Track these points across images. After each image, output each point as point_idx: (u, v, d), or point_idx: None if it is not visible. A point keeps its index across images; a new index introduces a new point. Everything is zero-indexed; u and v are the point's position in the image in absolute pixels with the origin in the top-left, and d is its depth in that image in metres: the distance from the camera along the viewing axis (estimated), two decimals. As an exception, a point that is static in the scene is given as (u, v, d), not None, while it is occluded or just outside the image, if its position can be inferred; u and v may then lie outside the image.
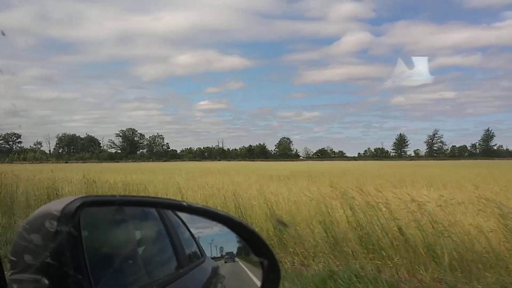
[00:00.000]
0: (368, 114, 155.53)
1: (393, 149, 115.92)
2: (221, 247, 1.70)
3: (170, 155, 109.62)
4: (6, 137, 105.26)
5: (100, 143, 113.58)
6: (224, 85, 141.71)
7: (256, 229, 2.35)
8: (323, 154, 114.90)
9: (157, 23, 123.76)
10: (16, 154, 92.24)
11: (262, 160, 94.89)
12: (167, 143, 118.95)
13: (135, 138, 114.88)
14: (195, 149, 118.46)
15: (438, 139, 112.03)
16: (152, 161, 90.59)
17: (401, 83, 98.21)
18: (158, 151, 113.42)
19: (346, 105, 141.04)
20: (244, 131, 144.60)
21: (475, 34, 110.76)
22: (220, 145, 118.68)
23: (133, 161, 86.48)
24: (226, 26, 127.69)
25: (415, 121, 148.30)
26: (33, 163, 65.11)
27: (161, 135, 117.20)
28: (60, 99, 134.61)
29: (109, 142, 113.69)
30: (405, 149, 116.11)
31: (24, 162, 73.28)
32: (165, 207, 1.57)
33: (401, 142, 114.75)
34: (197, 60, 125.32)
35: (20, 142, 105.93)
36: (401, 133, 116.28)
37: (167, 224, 1.63)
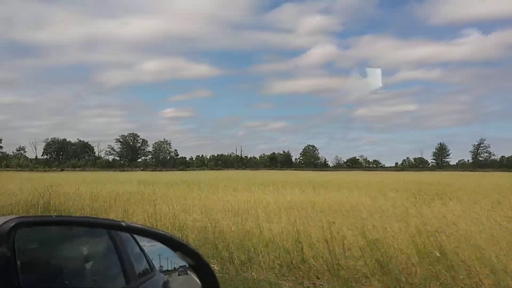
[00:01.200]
0: (331, 125, 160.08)
1: (434, 158, 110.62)
2: (174, 261, 1.71)
3: (180, 163, 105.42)
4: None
5: (94, 149, 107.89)
6: (191, 93, 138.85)
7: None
8: (355, 164, 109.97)
9: (125, 28, 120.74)
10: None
11: (287, 169, 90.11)
12: (175, 150, 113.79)
13: (137, 144, 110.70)
14: (208, 157, 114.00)
15: (485, 148, 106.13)
16: (160, 169, 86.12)
17: (359, 94, 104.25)
18: (165, 158, 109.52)
19: (311, 116, 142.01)
20: (209, 139, 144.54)
21: (436, 50, 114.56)
22: (238, 153, 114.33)
23: (141, 170, 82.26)
24: (196, 35, 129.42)
25: (376, 133, 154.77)
26: (20, 170, 59.99)
27: (167, 141, 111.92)
28: (19, 103, 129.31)
29: (108, 148, 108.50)
30: (447, 159, 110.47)
31: (8, 169, 66.89)
32: (104, 227, 1.59)
33: (442, 151, 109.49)
34: (164, 67, 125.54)
35: (1, 147, 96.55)
36: (441, 142, 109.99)
37: (115, 239, 1.65)
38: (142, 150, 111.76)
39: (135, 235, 1.71)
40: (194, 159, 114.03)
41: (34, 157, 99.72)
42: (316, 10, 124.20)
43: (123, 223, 1.53)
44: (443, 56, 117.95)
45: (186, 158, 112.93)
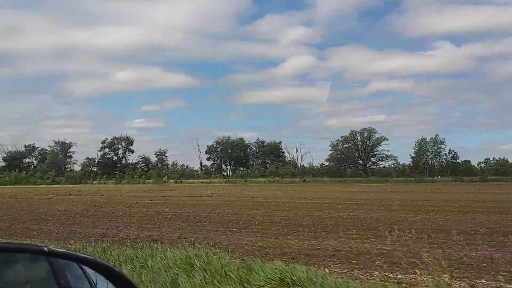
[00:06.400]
0: (302, 136, 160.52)
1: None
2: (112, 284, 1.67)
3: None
4: None
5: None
6: (164, 104, 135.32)
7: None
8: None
9: (100, 38, 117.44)
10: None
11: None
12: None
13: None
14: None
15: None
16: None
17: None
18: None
19: (281, 127, 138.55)
20: (179, 150, 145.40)
21: (409, 62, 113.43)
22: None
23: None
24: (174, 45, 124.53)
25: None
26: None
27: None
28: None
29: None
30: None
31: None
32: (24, 252, 1.53)
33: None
34: (138, 77, 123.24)
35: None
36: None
37: (54, 265, 1.60)
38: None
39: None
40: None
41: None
42: (298, 22, 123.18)
43: (45, 248, 1.53)
44: (415, 67, 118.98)
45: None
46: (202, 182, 78.85)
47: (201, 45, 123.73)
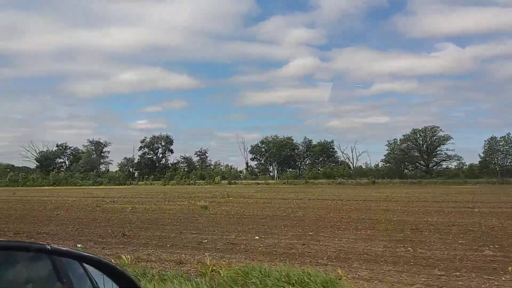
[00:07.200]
0: (303, 136, 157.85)
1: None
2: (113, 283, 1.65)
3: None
4: None
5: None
6: (166, 104, 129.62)
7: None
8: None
9: (104, 39, 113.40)
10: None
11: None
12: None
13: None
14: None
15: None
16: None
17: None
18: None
19: (283, 127, 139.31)
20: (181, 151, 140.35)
21: (413, 63, 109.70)
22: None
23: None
24: (178, 46, 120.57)
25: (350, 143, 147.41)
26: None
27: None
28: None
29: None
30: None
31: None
32: (27, 250, 1.54)
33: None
34: (142, 78, 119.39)
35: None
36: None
37: (56, 263, 1.58)
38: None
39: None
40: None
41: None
42: (302, 23, 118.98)
43: (48, 246, 1.55)
44: (419, 68, 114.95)
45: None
46: (258, 183, 72.97)
47: (204, 46, 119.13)
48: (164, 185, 76.31)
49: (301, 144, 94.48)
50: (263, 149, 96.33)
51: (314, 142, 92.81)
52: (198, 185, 73.92)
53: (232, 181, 77.04)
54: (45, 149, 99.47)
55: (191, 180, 79.08)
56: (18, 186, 79.63)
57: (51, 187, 72.58)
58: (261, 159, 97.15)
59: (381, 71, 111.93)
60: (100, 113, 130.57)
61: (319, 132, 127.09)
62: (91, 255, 1.60)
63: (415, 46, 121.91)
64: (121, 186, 73.85)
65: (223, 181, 76.81)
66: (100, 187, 73.27)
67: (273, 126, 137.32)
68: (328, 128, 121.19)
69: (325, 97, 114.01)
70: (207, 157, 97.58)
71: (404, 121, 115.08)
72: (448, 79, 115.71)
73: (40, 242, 1.60)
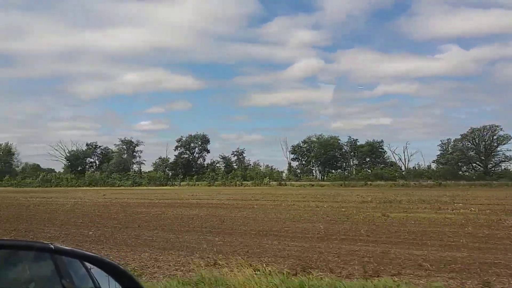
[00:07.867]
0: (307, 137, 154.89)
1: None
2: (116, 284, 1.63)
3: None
4: None
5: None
6: (170, 105, 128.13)
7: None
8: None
9: (106, 40, 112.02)
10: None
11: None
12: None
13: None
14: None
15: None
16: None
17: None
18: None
19: (287, 128, 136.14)
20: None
21: (417, 64, 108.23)
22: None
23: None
24: (183, 47, 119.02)
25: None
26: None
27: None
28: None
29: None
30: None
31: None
32: (30, 249, 1.54)
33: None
34: (146, 79, 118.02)
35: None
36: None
37: (58, 263, 1.56)
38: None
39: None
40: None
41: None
42: (307, 25, 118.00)
43: (51, 245, 1.53)
44: (423, 70, 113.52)
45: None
46: (312, 185, 68.11)
47: (208, 47, 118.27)
48: (209, 185, 71.63)
49: (345, 144, 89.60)
50: (304, 149, 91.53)
51: (361, 142, 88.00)
52: (245, 186, 69.24)
53: (283, 183, 72.27)
54: (74, 149, 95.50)
55: (237, 181, 74.31)
56: (52, 186, 75.41)
57: (89, 188, 68.10)
58: (302, 159, 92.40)
59: (385, 73, 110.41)
60: (103, 114, 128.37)
61: (323, 133, 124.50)
62: (93, 254, 1.61)
63: (419, 48, 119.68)
64: (163, 187, 69.29)
65: (273, 183, 72.06)
66: (141, 187, 68.80)
67: (277, 128, 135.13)
68: (330, 129, 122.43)
69: (328, 99, 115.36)
70: (244, 157, 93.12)
71: (405, 122, 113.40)
72: (452, 81, 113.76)
73: (43, 241, 1.60)
